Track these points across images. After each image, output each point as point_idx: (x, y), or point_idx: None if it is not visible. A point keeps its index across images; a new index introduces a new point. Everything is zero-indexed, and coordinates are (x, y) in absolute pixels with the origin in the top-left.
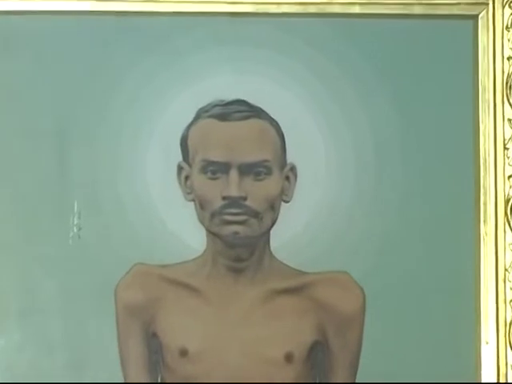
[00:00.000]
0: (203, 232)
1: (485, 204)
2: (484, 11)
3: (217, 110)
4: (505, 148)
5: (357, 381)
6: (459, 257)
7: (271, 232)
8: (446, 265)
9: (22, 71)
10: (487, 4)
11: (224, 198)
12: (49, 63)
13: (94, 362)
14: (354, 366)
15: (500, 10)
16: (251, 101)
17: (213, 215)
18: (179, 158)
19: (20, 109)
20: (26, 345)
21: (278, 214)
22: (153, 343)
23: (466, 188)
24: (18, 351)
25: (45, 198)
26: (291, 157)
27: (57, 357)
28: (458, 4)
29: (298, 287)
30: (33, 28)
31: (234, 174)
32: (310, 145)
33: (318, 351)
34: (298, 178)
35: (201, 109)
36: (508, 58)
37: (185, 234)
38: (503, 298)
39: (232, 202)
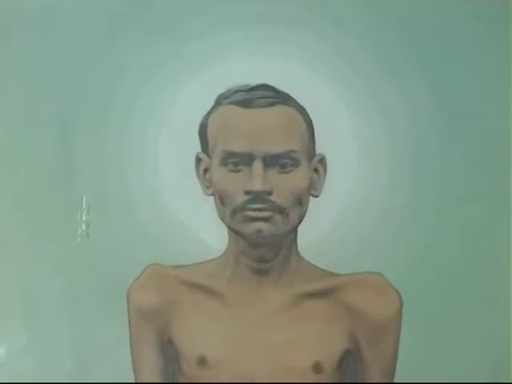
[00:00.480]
0: (224, 230)
1: None
2: None
3: (239, 96)
4: None
5: None
6: (498, 258)
7: (298, 229)
8: (485, 267)
9: (24, 55)
10: None
11: (247, 193)
12: (53, 46)
13: (103, 366)
14: (390, 377)
15: None
16: (277, 86)
17: (234, 211)
18: (197, 148)
19: (22, 97)
20: (32, 348)
21: (305, 210)
22: (168, 350)
23: (505, 193)
24: (24, 355)
25: (50, 193)
26: (320, 147)
27: (63, 361)
28: None
29: (327, 290)
30: (36, 9)
31: (257, 166)
32: (341, 134)
33: (349, 361)
34: (328, 171)
35: (221, 94)
36: None
37: (203, 232)
38: None
39: (255, 196)
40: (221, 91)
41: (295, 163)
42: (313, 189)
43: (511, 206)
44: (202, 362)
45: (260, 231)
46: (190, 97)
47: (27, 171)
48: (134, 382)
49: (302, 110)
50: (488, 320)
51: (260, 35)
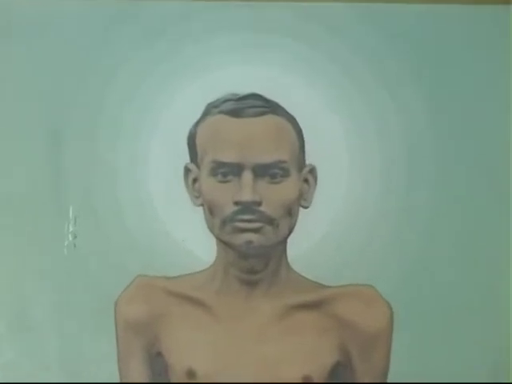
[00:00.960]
0: (213, 241)
1: None
2: None
3: (228, 105)
4: None
5: None
6: (496, 260)
7: (288, 240)
8: (481, 279)
9: (12, 58)
10: None
11: (236, 203)
12: (42, 52)
13: (91, 379)
14: None
15: None
16: (266, 95)
17: (224, 222)
18: (186, 158)
19: (8, 102)
20: (19, 362)
21: (295, 221)
22: (157, 363)
23: (505, 194)
24: (11, 368)
25: (36, 203)
26: (310, 157)
27: (52, 376)
28: None
29: (317, 302)
30: (27, 12)
31: (247, 176)
32: (332, 144)
33: (339, 373)
34: (319, 181)
35: (210, 103)
36: None
37: (192, 243)
38: None
39: (245, 207)
40: (213, 98)
41: (285, 173)
42: (303, 199)
43: (510, 207)
44: (191, 374)
45: (249, 242)
46: (182, 104)
47: (13, 181)
48: None
49: (292, 120)
50: (487, 321)
51: (255, 42)
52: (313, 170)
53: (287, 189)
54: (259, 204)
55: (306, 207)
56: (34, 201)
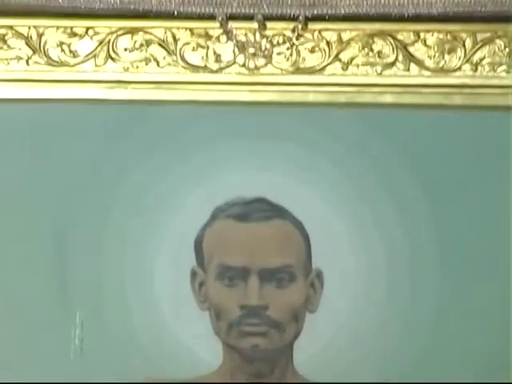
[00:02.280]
0: (219, 344)
1: None
2: None
3: (235, 210)
4: None
5: None
6: (500, 370)
7: (294, 345)
8: (488, 369)
9: (19, 165)
10: None
11: (242, 307)
12: (49, 157)
13: None
14: None
15: None
16: (273, 199)
17: (230, 326)
18: (193, 262)
19: (17, 208)
20: None
21: (302, 326)
22: None
23: (507, 298)
24: None
25: (43, 308)
26: (317, 261)
27: None
28: (503, 94)
29: None
30: (33, 120)
31: (253, 280)
32: (338, 248)
33: None
34: (325, 285)
35: (217, 208)
36: None
37: (198, 347)
38: None
39: (251, 311)
40: (218, 204)
41: (292, 278)
42: (309, 304)
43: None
44: None
45: (256, 346)
46: (189, 208)
47: (20, 284)
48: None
49: (298, 224)
50: None
51: (259, 148)
52: (319, 275)
53: (294, 294)
54: (266, 308)
55: (312, 312)
56: (40, 306)
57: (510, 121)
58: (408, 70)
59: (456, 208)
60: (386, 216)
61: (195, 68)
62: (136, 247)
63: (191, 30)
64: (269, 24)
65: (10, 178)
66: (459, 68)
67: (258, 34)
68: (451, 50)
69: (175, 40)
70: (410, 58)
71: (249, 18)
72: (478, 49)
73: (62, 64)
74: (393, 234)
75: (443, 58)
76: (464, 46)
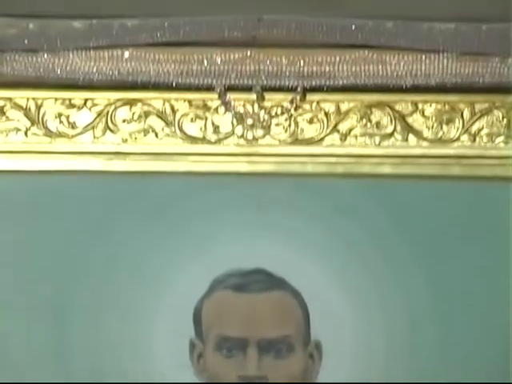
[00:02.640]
0: None
1: None
2: None
3: (234, 281)
4: None
5: None
6: None
7: None
8: None
9: (17, 236)
10: None
11: (240, 378)
12: (47, 229)
13: None
14: None
15: None
16: (271, 270)
17: None
18: (191, 333)
19: (16, 278)
20: None
21: None
22: None
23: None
24: None
25: (41, 377)
26: (316, 332)
27: None
28: (501, 165)
29: None
30: (29, 190)
31: (252, 351)
32: (337, 319)
33: None
34: (323, 354)
35: (216, 279)
36: None
37: None
38: None
39: (250, 382)
40: (216, 275)
41: (290, 348)
42: (308, 375)
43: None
44: None
45: None
46: (187, 279)
47: (16, 361)
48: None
49: (297, 295)
50: None
51: (257, 219)
52: (318, 346)
53: (292, 365)
54: (264, 379)
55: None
56: (39, 374)
57: (508, 191)
58: (406, 140)
59: (454, 278)
60: (385, 285)
61: (193, 139)
62: (135, 317)
63: (189, 101)
64: (267, 95)
65: (8, 250)
66: (457, 138)
67: (256, 105)
68: (449, 121)
69: (173, 111)
70: (409, 128)
71: (247, 89)
72: (477, 119)
73: (60, 135)
74: (391, 303)
75: (441, 128)
76: (462, 116)
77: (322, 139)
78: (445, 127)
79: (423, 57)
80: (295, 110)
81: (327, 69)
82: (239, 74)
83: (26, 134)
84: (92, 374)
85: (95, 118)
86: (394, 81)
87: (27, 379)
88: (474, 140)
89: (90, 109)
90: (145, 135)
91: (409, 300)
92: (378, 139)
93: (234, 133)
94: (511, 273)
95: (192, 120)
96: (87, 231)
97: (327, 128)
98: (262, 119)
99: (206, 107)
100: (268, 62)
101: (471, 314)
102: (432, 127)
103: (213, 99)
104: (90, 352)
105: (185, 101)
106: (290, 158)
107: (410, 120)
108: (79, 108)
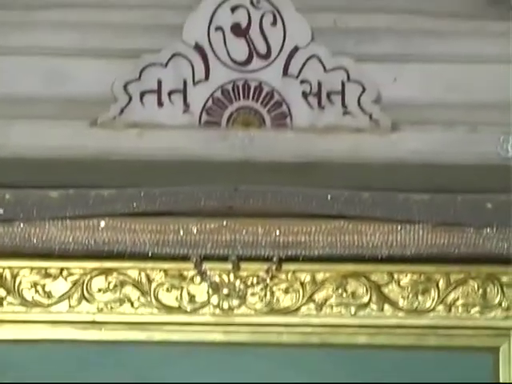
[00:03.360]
0: None
1: None
2: (506, 343)
3: None
4: None
5: None
6: None
7: None
8: None
9: None
10: (509, 336)
11: None
12: None
13: None
14: None
15: None
16: None
17: None
18: None
19: None
20: None
21: None
22: None
23: None
24: None
25: None
26: None
27: None
28: (477, 336)
29: None
30: (4, 358)
31: None
32: None
33: None
34: None
35: None
36: None
37: None
38: None
39: None
40: None
41: None
42: None
43: None
44: None
45: None
46: None
47: None
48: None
49: None
50: None
51: None
52: None
53: None
54: None
55: None
56: None
57: (485, 362)
58: (382, 310)
59: None
60: None
61: (169, 309)
62: None
63: (165, 270)
64: (243, 265)
65: None
66: (433, 309)
67: (232, 275)
68: (425, 291)
69: (149, 281)
70: (384, 298)
71: (223, 258)
72: (452, 290)
73: (36, 304)
74: None
75: (417, 298)
76: (438, 286)
77: (297, 309)
78: (420, 297)
79: (399, 227)
80: (271, 279)
81: (303, 239)
82: (215, 244)
83: (1, 303)
84: None
85: (71, 288)
86: (369, 251)
87: None
88: (450, 310)
89: (65, 278)
90: (120, 304)
91: None
92: (353, 309)
93: (209, 302)
94: None
95: (168, 290)
96: None
97: (303, 298)
98: (237, 289)
99: (181, 277)
100: (244, 232)
101: None
102: (407, 297)
103: (189, 269)
104: None
105: (160, 270)
106: (266, 327)
107: (385, 290)
108: (55, 277)
